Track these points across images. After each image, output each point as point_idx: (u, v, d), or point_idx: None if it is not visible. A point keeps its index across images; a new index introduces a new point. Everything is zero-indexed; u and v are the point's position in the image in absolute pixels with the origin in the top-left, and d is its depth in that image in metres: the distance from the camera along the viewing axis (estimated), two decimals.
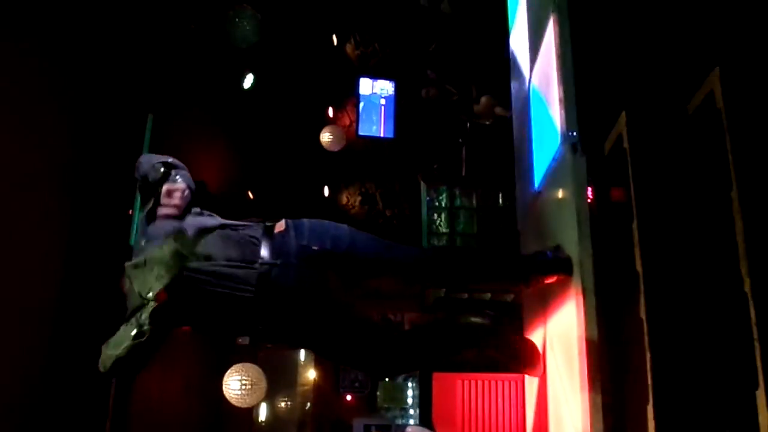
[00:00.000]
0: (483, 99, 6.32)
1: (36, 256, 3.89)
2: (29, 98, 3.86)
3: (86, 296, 4.18)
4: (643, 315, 2.14)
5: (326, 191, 8.25)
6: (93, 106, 4.45)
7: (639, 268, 2.19)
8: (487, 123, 6.35)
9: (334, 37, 8.56)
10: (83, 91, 4.38)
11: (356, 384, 7.99)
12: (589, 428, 2.21)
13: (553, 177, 2.85)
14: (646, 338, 2.13)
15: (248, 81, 6.84)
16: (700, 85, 2.09)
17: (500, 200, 6.37)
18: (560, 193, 2.66)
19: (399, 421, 7.71)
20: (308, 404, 8.20)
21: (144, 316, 2.25)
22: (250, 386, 5.18)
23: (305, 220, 2.53)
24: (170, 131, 5.37)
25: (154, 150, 4.90)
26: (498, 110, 6.19)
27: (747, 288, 1.84)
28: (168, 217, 2.44)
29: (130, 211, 4.51)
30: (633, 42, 2.65)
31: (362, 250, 2.50)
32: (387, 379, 8.00)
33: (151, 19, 5.26)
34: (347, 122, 8.61)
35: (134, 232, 4.62)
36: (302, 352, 8.67)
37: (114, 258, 4.45)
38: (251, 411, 7.25)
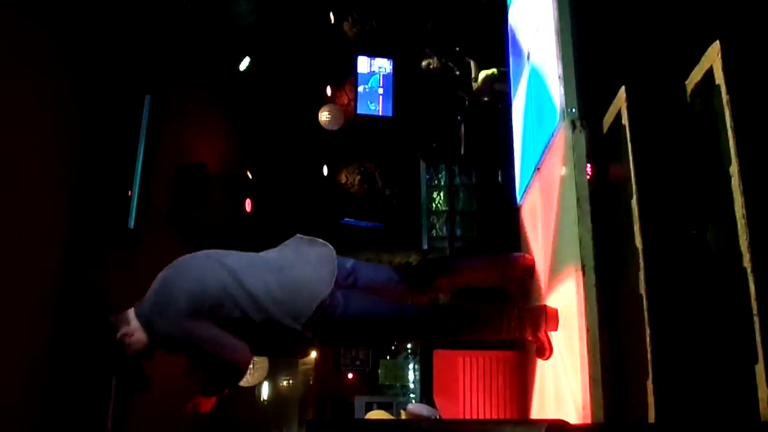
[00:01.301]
0: (482, 74, 6.27)
1: (35, 247, 3.88)
2: (27, 82, 3.84)
3: (87, 287, 4.18)
4: (642, 291, 2.14)
5: (325, 170, 8.24)
6: (90, 87, 4.41)
7: (639, 244, 2.19)
8: (486, 99, 6.31)
9: (332, 15, 8.50)
10: (80, 72, 4.35)
11: (357, 362, 8.04)
12: (589, 403, 2.22)
13: (552, 153, 2.84)
14: (645, 314, 2.13)
15: (244, 64, 6.80)
16: (699, 60, 2.08)
17: (500, 178, 6.35)
18: (559, 169, 2.66)
19: (400, 399, 7.77)
20: (310, 382, 8.25)
21: None
22: (252, 366, 5.21)
23: None
24: (168, 112, 5.35)
25: (152, 129, 4.90)
26: (497, 86, 6.15)
27: (746, 263, 1.84)
28: None
29: (129, 192, 4.51)
30: (632, 17, 2.63)
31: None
32: (388, 357, 8.05)
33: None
34: (345, 101, 8.58)
35: (132, 214, 4.63)
36: None
37: (114, 243, 4.47)
38: (254, 390, 7.30)
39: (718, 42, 1.97)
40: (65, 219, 4.10)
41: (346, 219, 7.32)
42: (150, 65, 5.07)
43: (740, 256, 1.87)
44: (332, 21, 8.52)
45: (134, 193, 4.56)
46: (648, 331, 2.10)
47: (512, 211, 3.88)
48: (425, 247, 6.61)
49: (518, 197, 3.72)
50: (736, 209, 1.89)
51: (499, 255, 3.21)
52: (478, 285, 3.23)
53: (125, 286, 3.34)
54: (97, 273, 4.21)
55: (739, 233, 1.87)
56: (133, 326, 2.59)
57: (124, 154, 4.65)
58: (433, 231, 6.65)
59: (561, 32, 2.66)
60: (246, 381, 5.18)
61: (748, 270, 1.83)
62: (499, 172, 6.35)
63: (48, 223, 3.97)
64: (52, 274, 3.95)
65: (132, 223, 4.57)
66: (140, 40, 4.99)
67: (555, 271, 2.75)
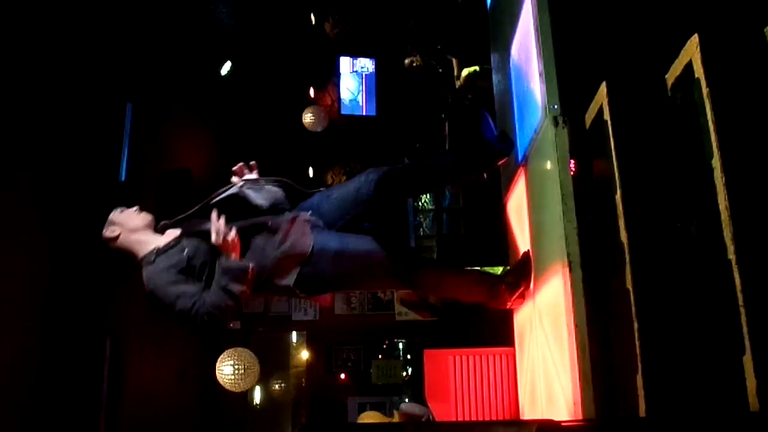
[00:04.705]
0: (464, 71, 6.28)
1: (23, 251, 3.86)
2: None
3: (75, 285, 4.16)
4: (629, 286, 2.15)
5: (311, 172, 8.22)
6: (72, 95, 4.39)
7: (624, 239, 2.19)
8: (469, 96, 6.32)
9: (312, 17, 8.48)
10: (62, 80, 4.33)
11: (349, 363, 8.03)
12: (579, 399, 2.23)
13: (535, 150, 2.84)
14: (633, 309, 2.13)
15: (225, 68, 6.78)
16: (679, 54, 2.08)
17: (485, 175, 6.36)
18: (543, 166, 2.66)
19: (393, 399, 7.76)
20: (302, 384, 8.23)
21: None
22: (243, 370, 5.20)
23: None
24: (150, 119, 5.32)
25: (135, 138, 4.87)
26: (480, 83, 6.16)
27: (731, 255, 1.85)
28: None
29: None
30: (611, 12, 2.63)
31: None
32: (380, 357, 8.04)
33: (127, 6, 5.18)
34: (329, 102, 8.56)
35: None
36: (294, 334, 8.70)
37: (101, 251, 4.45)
38: (246, 394, 7.28)
39: (696, 36, 1.97)
40: (48, 223, 4.08)
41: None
42: (131, 73, 5.04)
43: (725, 248, 1.88)
44: (313, 22, 8.50)
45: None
46: (636, 326, 2.10)
47: (499, 208, 3.88)
48: (412, 245, 6.61)
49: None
50: (719, 201, 1.90)
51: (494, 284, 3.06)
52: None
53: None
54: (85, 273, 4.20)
55: (723, 225, 1.88)
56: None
57: (105, 161, 4.62)
58: (420, 229, 6.65)
59: (541, 29, 2.66)
60: (237, 387, 5.16)
61: (733, 262, 1.84)
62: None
63: (33, 229, 3.95)
64: (39, 284, 3.94)
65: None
66: (120, 48, 4.96)
67: (542, 267, 2.75)
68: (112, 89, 4.77)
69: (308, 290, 2.78)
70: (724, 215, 1.86)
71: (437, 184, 3.43)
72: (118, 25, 4.98)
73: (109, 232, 2.74)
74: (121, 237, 2.74)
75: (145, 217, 2.79)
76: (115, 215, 2.78)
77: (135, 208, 2.82)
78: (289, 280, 2.71)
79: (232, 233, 2.56)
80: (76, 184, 4.31)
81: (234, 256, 2.57)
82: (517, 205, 3.35)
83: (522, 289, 2.97)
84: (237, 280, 2.54)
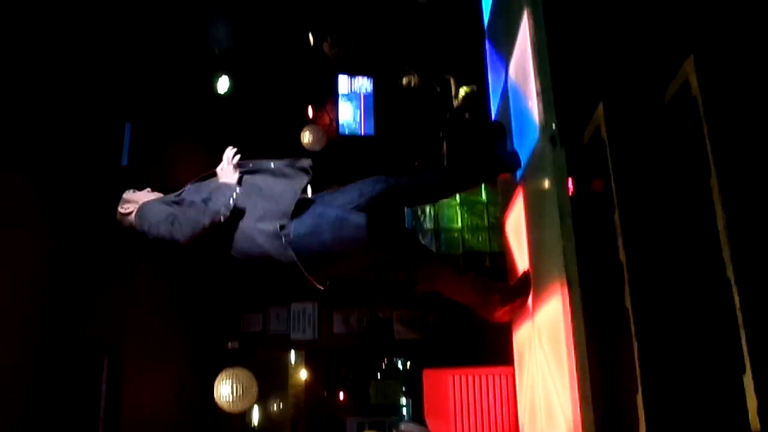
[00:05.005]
0: (461, 90, 6.30)
1: (19, 272, 3.85)
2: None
3: (72, 304, 4.15)
4: (628, 305, 2.15)
5: (309, 191, 8.22)
6: (71, 116, 4.40)
7: (622, 258, 2.19)
8: (467, 115, 6.33)
9: (311, 36, 8.52)
10: (61, 101, 4.34)
11: (347, 383, 8.00)
12: (579, 419, 2.21)
13: (533, 169, 2.85)
14: (632, 328, 2.13)
15: (224, 85, 6.80)
16: (676, 74, 2.10)
17: (482, 194, 6.37)
18: (541, 186, 2.67)
19: (392, 419, 7.72)
20: (301, 404, 8.19)
21: None
22: (241, 391, 5.16)
23: None
24: (149, 139, 5.33)
25: (133, 158, 4.88)
26: (476, 102, 6.19)
27: (730, 273, 1.85)
28: None
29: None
30: (607, 33, 2.65)
31: None
32: (379, 377, 8.01)
33: (126, 27, 5.21)
34: (327, 121, 8.58)
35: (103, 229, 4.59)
36: (293, 353, 8.66)
37: (97, 261, 4.44)
38: (244, 415, 7.24)
39: (692, 56, 1.99)
40: (48, 241, 4.08)
41: None
42: (129, 93, 5.06)
43: (724, 266, 1.88)
44: (312, 42, 8.54)
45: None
46: (636, 345, 2.10)
47: (498, 225, 3.89)
48: None
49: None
50: (717, 220, 1.90)
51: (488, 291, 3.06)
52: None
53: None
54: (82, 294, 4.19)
55: (722, 244, 1.88)
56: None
57: (105, 180, 4.63)
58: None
59: (537, 48, 2.68)
60: (236, 407, 5.12)
61: (732, 280, 1.84)
62: (483, 187, 6.37)
63: (31, 245, 3.94)
64: (36, 302, 3.92)
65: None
66: (119, 68, 4.98)
67: (541, 286, 2.75)
68: (111, 110, 4.79)
69: (309, 264, 2.73)
70: (723, 234, 1.87)
71: (441, 192, 3.47)
72: (114, 43, 5.00)
73: (123, 209, 2.86)
74: (134, 213, 2.84)
75: (157, 195, 2.95)
76: (129, 194, 2.89)
77: (147, 189, 2.98)
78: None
79: (235, 157, 2.84)
80: (73, 209, 4.31)
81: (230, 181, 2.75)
82: (515, 223, 3.35)
83: (515, 304, 2.98)
84: (222, 196, 2.67)
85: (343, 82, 8.71)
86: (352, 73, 8.74)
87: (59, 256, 4.14)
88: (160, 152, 5.71)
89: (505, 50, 3.52)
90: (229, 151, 2.80)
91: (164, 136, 5.85)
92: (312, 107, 8.51)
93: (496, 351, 3.75)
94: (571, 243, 2.39)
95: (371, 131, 8.59)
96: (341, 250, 2.78)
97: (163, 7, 5.82)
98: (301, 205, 2.83)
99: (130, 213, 2.85)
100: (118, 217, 2.86)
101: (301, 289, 3.05)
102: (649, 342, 2.10)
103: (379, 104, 8.61)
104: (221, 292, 6.74)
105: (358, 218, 2.79)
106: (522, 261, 3.15)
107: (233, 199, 2.68)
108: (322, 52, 8.61)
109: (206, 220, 2.63)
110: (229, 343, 6.79)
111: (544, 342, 2.69)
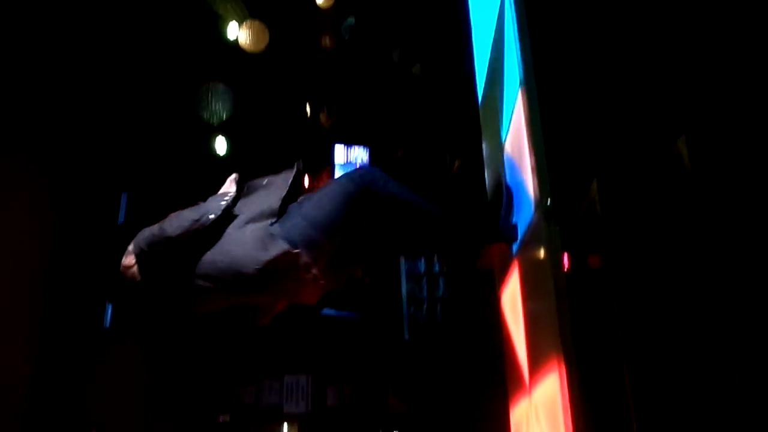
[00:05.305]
0: (456, 163, 6.37)
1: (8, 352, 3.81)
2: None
3: (60, 380, 4.09)
4: (627, 385, 2.11)
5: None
6: (68, 185, 4.41)
7: (620, 335, 2.17)
8: (462, 185, 6.37)
9: (308, 106, 8.64)
10: (59, 171, 4.36)
11: None
12: None
13: (528, 244, 2.84)
14: (631, 407, 2.10)
15: (222, 147, 6.86)
16: (669, 152, 2.12)
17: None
18: (536, 261, 2.66)
19: None
20: None
21: None
22: None
23: None
24: (145, 207, 5.34)
25: (129, 226, 4.86)
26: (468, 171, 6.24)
27: (729, 352, 1.83)
28: None
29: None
30: (601, 110, 2.69)
31: None
32: None
33: (121, 95, 5.28)
34: None
35: (108, 312, 4.55)
36: (285, 427, 8.47)
37: (89, 338, 4.39)
38: None
39: (684, 135, 2.01)
40: (41, 311, 4.04)
41: (325, 310, 7.25)
42: (126, 163, 5.09)
43: (725, 349, 1.86)
44: (308, 112, 8.65)
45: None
46: (635, 426, 2.06)
47: (492, 299, 3.86)
48: (406, 337, 6.55)
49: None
50: (717, 302, 1.89)
51: None
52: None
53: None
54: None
55: (723, 324, 1.86)
56: None
57: (101, 252, 4.60)
58: (414, 320, 6.59)
59: (531, 125, 2.71)
60: None
61: (734, 366, 1.82)
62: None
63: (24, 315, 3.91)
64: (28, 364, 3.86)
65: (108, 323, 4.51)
66: (116, 138, 5.03)
67: (537, 363, 2.71)
68: (107, 179, 4.81)
69: (304, 242, 2.73)
70: (722, 313, 1.85)
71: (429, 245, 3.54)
72: (112, 112, 5.06)
73: (127, 261, 2.84)
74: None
75: None
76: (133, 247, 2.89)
77: None
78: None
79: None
80: (69, 273, 4.28)
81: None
82: (512, 298, 3.33)
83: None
84: (216, 199, 2.80)
85: (339, 151, 8.77)
86: (348, 143, 8.82)
87: (48, 334, 4.09)
88: (157, 212, 5.70)
89: (499, 124, 3.56)
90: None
91: (160, 203, 5.85)
92: (308, 176, 8.55)
93: (494, 427, 3.68)
94: (568, 319, 2.36)
95: None
96: (327, 219, 2.84)
97: (163, 71, 5.91)
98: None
99: (133, 266, 2.84)
100: (122, 268, 2.86)
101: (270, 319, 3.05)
102: (648, 421, 2.06)
103: (374, 160, 8.65)
104: (213, 363, 6.65)
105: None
106: (519, 336, 3.12)
107: (226, 202, 2.80)
108: (318, 122, 8.71)
109: (195, 215, 2.74)
110: (221, 417, 6.65)
111: (542, 419, 2.64)
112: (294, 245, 2.69)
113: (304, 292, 2.87)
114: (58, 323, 4.16)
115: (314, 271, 2.74)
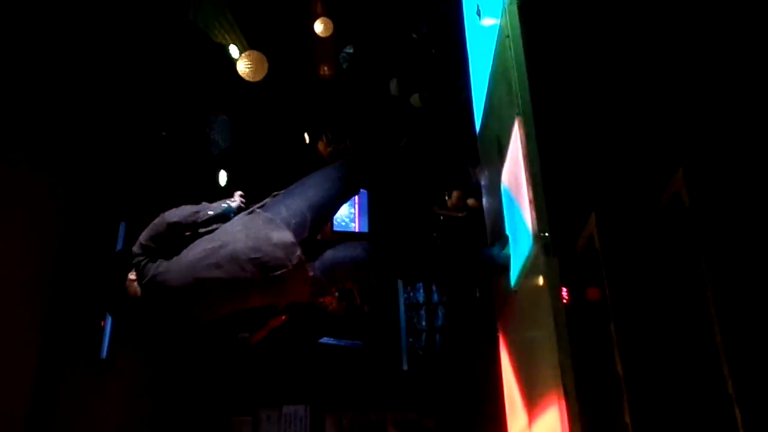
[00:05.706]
0: (454, 192, 6.37)
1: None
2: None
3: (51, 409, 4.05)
4: (627, 419, 2.10)
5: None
6: (65, 215, 4.41)
7: (620, 370, 2.15)
8: (460, 215, 6.38)
9: (306, 135, 8.67)
10: (55, 199, 4.36)
11: None
12: None
13: (527, 277, 2.83)
14: None
15: (223, 180, 6.88)
16: (666, 186, 2.12)
17: (477, 293, 6.32)
18: (535, 294, 2.64)
19: None
20: None
21: None
22: None
23: None
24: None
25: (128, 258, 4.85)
26: (470, 201, 6.24)
27: (730, 389, 1.82)
28: None
29: (102, 323, 4.43)
30: (600, 142, 2.70)
31: None
32: None
33: (121, 125, 5.29)
34: None
35: (105, 343, 4.51)
36: None
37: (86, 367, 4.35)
38: None
39: (681, 169, 2.02)
40: (37, 347, 4.01)
41: (324, 339, 7.20)
42: (124, 193, 5.09)
43: (723, 381, 1.85)
44: (307, 140, 8.68)
45: (106, 323, 4.48)
46: None
47: (490, 329, 3.83)
48: (405, 367, 6.51)
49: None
50: (715, 334, 1.88)
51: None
52: None
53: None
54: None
55: (721, 359, 1.85)
56: None
57: (98, 283, 4.59)
58: (413, 350, 6.56)
59: (529, 158, 2.71)
60: None
61: (733, 396, 1.80)
62: (477, 288, 6.34)
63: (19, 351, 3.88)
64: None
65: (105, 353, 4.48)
66: (114, 168, 5.04)
67: (536, 398, 2.69)
68: (106, 209, 4.81)
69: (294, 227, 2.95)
70: (720, 349, 1.84)
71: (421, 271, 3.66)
72: (112, 142, 5.07)
73: (133, 275, 2.95)
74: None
75: None
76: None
77: None
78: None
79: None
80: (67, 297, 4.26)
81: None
82: (510, 331, 3.31)
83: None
84: (218, 203, 3.03)
85: None
86: None
87: (42, 377, 4.07)
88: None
89: (496, 156, 3.57)
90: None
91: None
92: None
93: None
94: (567, 353, 2.35)
95: (365, 228, 8.61)
96: (312, 205, 3.15)
97: (162, 104, 5.94)
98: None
99: (134, 281, 2.94)
100: (127, 282, 2.95)
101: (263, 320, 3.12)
102: None
103: (373, 202, 8.66)
104: (210, 393, 6.60)
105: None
106: (518, 368, 3.10)
107: (227, 205, 3.05)
108: (317, 151, 8.74)
109: (195, 209, 2.98)
110: None
111: None
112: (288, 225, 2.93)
113: (292, 284, 2.98)
114: (59, 324, 4.14)
115: (299, 253, 2.90)
